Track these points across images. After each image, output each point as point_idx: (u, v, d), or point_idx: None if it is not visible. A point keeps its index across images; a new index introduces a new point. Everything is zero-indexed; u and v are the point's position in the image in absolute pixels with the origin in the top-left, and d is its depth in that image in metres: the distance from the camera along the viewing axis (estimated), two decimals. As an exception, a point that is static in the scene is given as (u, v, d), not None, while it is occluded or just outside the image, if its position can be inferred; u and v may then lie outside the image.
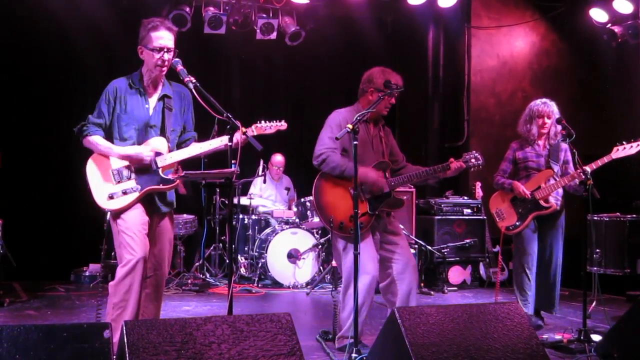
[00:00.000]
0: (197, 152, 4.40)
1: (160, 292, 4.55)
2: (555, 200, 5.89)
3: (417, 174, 4.95)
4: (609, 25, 9.02)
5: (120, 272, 4.19)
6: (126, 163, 4.31)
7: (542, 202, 5.83)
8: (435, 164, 5.04)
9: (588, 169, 5.36)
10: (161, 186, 4.33)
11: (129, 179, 4.30)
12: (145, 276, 4.32)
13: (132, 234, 4.20)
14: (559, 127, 5.70)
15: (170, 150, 4.39)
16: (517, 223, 5.92)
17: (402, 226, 8.06)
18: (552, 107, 5.91)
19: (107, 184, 4.27)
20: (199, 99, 4.09)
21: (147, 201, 4.35)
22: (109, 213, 4.34)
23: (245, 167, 8.47)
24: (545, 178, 5.86)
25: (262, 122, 4.50)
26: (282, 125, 4.59)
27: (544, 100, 5.98)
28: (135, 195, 4.27)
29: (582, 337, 4.97)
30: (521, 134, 6.05)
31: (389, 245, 5.01)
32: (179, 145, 4.53)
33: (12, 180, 7.95)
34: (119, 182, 4.28)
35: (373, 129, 5.05)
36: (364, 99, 5.03)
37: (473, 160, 4.98)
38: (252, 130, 4.41)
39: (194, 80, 4.12)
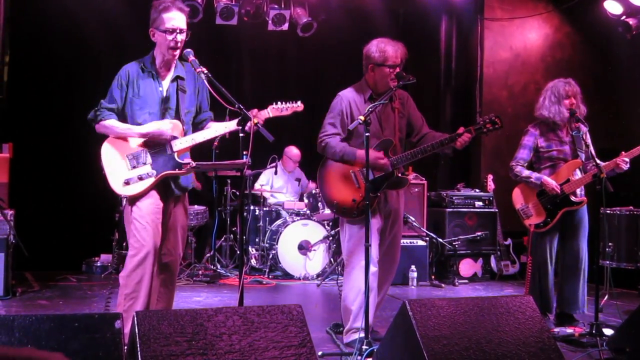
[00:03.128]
0: (212, 136, 4.39)
1: (174, 278, 4.56)
2: (581, 192, 5.60)
3: (421, 150, 4.74)
4: (623, 17, 8.93)
5: (130, 262, 4.19)
6: (142, 147, 4.28)
7: (571, 197, 5.52)
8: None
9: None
10: (177, 171, 4.30)
11: (145, 164, 4.27)
12: (160, 263, 4.36)
13: (145, 222, 4.20)
14: (583, 108, 5.52)
15: (185, 132, 4.36)
16: (548, 220, 5.56)
17: (412, 218, 8.14)
18: (577, 87, 5.56)
19: (122, 170, 4.25)
20: (210, 90, 4.08)
21: (163, 186, 4.34)
22: (124, 199, 4.34)
23: (258, 158, 8.50)
24: (573, 169, 5.53)
25: (279, 103, 4.42)
26: (299, 106, 4.47)
27: (566, 79, 5.61)
28: (151, 180, 4.25)
29: (594, 331, 4.93)
30: (547, 117, 5.56)
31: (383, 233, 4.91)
32: (196, 126, 4.51)
33: (24, 171, 7.98)
34: (134, 167, 4.26)
35: (379, 107, 4.75)
36: (367, 75, 4.89)
37: (489, 125, 4.70)
38: (268, 112, 4.35)
39: (205, 71, 4.09)
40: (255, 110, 4.20)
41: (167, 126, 4.27)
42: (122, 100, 4.31)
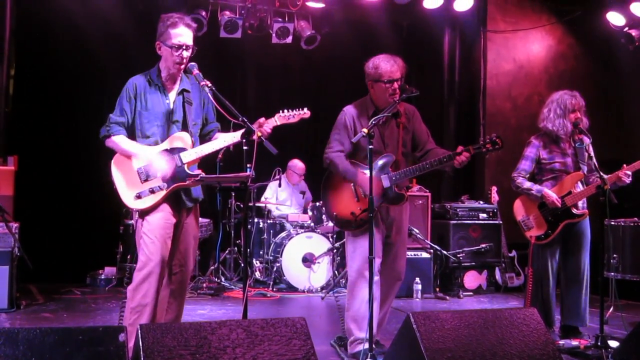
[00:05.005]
0: (220, 146, 4.38)
1: (184, 288, 4.54)
2: (583, 204, 5.58)
3: (420, 167, 4.76)
4: (626, 28, 8.96)
5: (137, 276, 4.19)
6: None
7: (573, 210, 5.49)
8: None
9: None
10: (187, 182, 4.29)
11: (155, 177, 4.25)
12: (171, 274, 4.36)
13: (153, 237, 4.19)
14: (586, 120, 5.51)
15: (193, 144, 4.36)
16: (549, 232, 5.53)
17: (417, 230, 8.13)
18: (582, 100, 5.52)
19: (133, 184, 4.24)
20: (214, 103, 4.10)
21: (174, 198, 4.33)
22: (136, 213, 4.31)
23: (262, 170, 8.50)
24: (575, 182, 5.51)
25: (286, 110, 4.43)
26: (306, 113, 4.48)
27: (572, 92, 5.56)
28: (162, 193, 4.23)
29: (599, 343, 4.90)
30: (551, 131, 5.54)
31: (386, 247, 4.90)
32: (204, 138, 4.52)
33: (29, 183, 8.00)
34: (145, 180, 4.24)
35: (385, 119, 4.77)
36: (370, 92, 4.94)
37: (489, 145, 4.67)
38: (276, 120, 4.36)
39: (209, 84, 4.13)
40: (262, 119, 4.22)
41: (165, 162, 4.25)
42: (132, 113, 4.31)
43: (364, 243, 4.68)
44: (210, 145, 4.36)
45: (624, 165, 5.39)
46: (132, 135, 4.34)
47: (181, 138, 4.33)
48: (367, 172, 4.42)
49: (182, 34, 4.25)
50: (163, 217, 4.25)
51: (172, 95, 4.40)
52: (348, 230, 4.92)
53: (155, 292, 4.18)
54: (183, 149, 4.30)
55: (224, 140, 4.38)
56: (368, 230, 4.34)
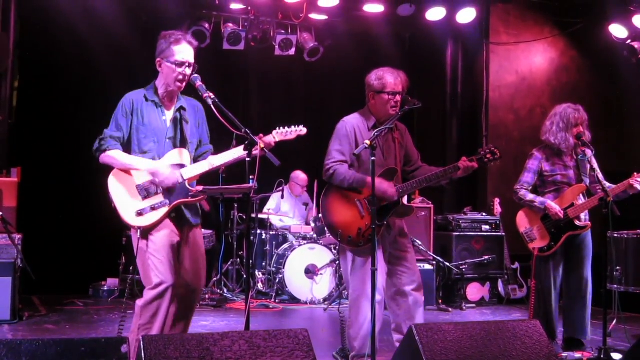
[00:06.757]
0: (220, 163, 4.33)
1: (194, 306, 4.49)
2: (585, 216, 5.57)
3: (426, 179, 4.79)
4: (628, 41, 8.99)
5: (149, 294, 4.10)
6: (151, 177, 4.19)
7: (576, 222, 5.48)
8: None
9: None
10: (189, 198, 4.25)
11: (157, 193, 4.18)
12: (181, 293, 4.25)
13: (161, 257, 4.10)
14: (588, 134, 5.52)
15: (192, 161, 4.34)
16: (552, 244, 5.51)
17: (419, 242, 8.12)
18: (585, 114, 5.53)
19: (134, 201, 4.15)
20: (217, 114, 4.04)
21: (177, 215, 4.26)
22: (137, 231, 4.17)
23: (264, 182, 8.51)
24: (577, 194, 5.51)
25: (283, 127, 4.43)
26: (302, 130, 4.50)
27: (575, 106, 5.57)
28: (165, 210, 4.16)
29: (602, 356, 4.90)
30: (553, 143, 5.55)
31: (397, 260, 4.85)
32: (196, 159, 4.46)
33: (32, 195, 8.01)
34: (146, 197, 4.16)
35: (384, 132, 4.78)
36: (369, 104, 4.92)
37: (489, 156, 4.74)
38: (274, 137, 4.35)
39: (212, 96, 4.07)
40: (260, 136, 4.21)
41: (172, 173, 4.20)
42: (128, 128, 4.25)
43: (365, 259, 4.67)
44: (209, 162, 4.33)
45: (635, 173, 5.37)
46: (127, 151, 4.26)
47: (180, 154, 4.30)
48: (378, 180, 4.47)
49: (185, 51, 4.23)
50: (168, 236, 4.17)
51: (170, 112, 4.36)
52: (353, 247, 4.78)
53: (166, 311, 4.09)
54: (182, 166, 4.27)
55: (223, 157, 4.33)
56: (371, 244, 4.31)
